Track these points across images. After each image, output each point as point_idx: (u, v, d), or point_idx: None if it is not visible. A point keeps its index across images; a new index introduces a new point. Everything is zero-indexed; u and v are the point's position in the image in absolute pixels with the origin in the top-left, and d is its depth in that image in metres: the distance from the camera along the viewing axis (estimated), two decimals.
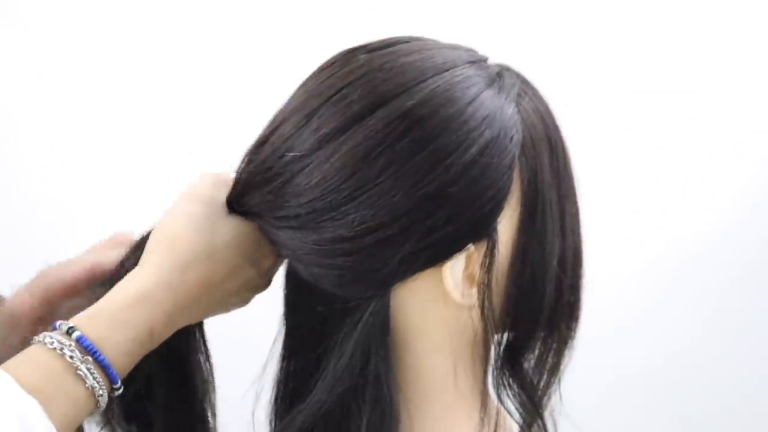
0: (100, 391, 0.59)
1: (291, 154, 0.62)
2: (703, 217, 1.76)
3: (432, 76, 0.61)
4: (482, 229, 0.62)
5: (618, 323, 1.66)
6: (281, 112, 0.65)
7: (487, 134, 0.61)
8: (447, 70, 0.62)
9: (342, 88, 0.62)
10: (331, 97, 0.62)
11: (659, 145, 1.73)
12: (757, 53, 1.73)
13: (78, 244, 0.77)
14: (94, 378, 0.59)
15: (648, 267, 1.76)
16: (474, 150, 0.60)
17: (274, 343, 0.70)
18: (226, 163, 0.68)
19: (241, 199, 0.66)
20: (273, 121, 0.65)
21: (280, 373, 0.68)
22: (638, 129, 1.71)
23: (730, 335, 1.76)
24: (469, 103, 0.61)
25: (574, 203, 0.67)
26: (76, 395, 0.58)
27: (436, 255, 0.62)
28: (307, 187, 0.61)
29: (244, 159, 0.66)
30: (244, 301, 0.69)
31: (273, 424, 0.68)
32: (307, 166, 0.61)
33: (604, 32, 1.70)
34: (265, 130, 0.66)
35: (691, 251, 1.76)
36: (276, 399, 0.68)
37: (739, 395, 1.76)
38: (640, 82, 1.70)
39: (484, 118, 0.61)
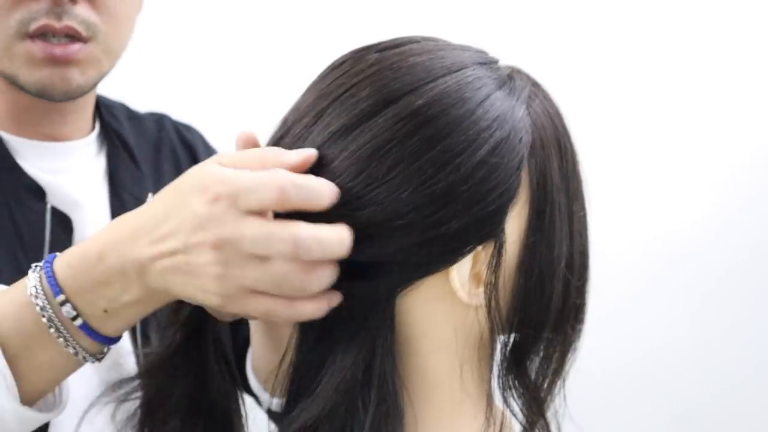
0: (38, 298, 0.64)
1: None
2: (694, 216, 1.78)
3: (442, 76, 0.62)
4: (490, 229, 0.61)
5: (618, 323, 1.66)
6: (292, 113, 0.65)
7: (497, 135, 0.61)
8: (457, 71, 0.62)
9: (351, 87, 0.62)
10: (340, 96, 0.62)
11: (651, 143, 1.75)
12: (748, 52, 1.75)
13: None
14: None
15: (647, 266, 1.76)
16: (484, 150, 0.60)
17: None
18: None
19: None
20: (284, 122, 0.66)
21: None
22: (628, 126, 1.73)
23: (731, 334, 1.77)
24: (480, 103, 0.61)
25: (582, 205, 0.67)
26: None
27: (444, 256, 0.61)
28: None
29: None
30: None
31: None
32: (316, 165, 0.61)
33: (609, 36, 1.71)
34: (275, 133, 0.66)
35: (688, 251, 1.77)
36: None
37: (739, 394, 1.76)
38: (636, 80, 1.72)
39: (495, 119, 0.61)
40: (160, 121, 1.13)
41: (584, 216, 0.67)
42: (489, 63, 0.65)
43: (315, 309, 0.60)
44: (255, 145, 0.67)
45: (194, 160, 1.11)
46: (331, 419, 0.62)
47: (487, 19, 1.64)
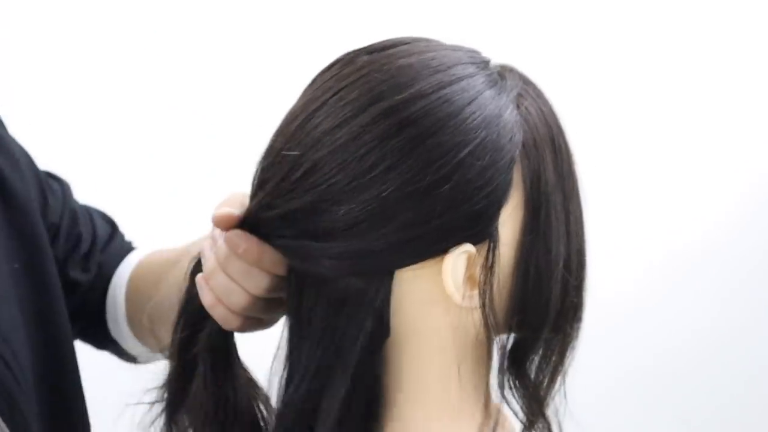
0: None
1: (288, 153, 0.63)
2: (706, 219, 1.77)
3: (429, 77, 0.61)
4: (480, 229, 0.61)
5: (620, 323, 1.67)
6: (284, 119, 0.66)
7: (483, 135, 0.60)
8: (445, 71, 0.62)
9: (340, 90, 0.62)
10: (329, 99, 0.62)
11: (661, 147, 1.74)
12: (758, 56, 1.74)
13: None
14: None
15: (650, 267, 1.76)
16: (468, 150, 0.60)
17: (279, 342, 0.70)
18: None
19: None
20: (277, 130, 0.66)
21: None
22: (640, 130, 1.72)
23: (733, 335, 1.77)
24: (467, 104, 0.61)
25: (578, 205, 0.66)
26: None
27: (426, 252, 0.61)
28: (300, 182, 0.62)
29: (256, 171, 0.66)
30: None
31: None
32: (302, 164, 0.62)
33: (610, 33, 1.71)
34: (270, 141, 0.66)
35: (694, 251, 1.77)
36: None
37: (741, 395, 1.76)
38: (644, 83, 1.71)
39: (482, 120, 0.61)
40: None
41: (580, 215, 0.66)
42: (480, 62, 0.65)
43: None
44: (234, 223, 0.66)
45: None
46: (305, 410, 0.63)
47: (482, 19, 1.63)
